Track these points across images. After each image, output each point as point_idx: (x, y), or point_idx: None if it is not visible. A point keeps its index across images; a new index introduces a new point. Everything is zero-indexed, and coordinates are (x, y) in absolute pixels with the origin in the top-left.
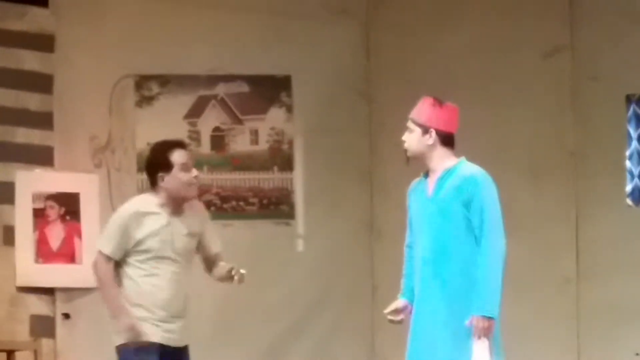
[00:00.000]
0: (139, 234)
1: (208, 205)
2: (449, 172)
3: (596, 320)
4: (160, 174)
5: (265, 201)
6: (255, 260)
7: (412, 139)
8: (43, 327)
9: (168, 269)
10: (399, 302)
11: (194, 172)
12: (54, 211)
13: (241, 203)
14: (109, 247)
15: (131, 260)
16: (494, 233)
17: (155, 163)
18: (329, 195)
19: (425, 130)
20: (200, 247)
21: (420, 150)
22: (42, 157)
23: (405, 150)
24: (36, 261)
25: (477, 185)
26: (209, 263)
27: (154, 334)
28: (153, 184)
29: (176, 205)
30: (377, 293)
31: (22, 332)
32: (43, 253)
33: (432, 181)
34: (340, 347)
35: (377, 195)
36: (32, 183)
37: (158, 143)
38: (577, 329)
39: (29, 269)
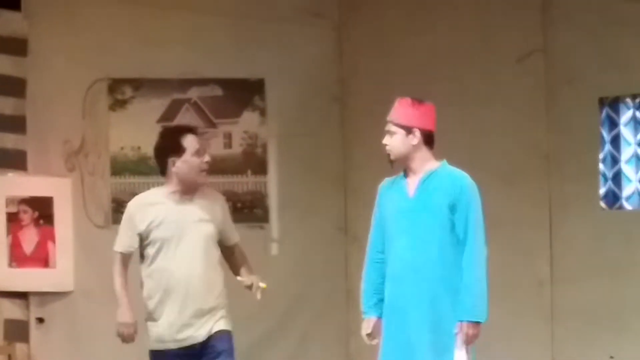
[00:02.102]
0: (142, 225)
1: None
2: (432, 174)
3: (570, 323)
4: (171, 159)
5: (239, 205)
6: None
7: (396, 141)
8: (17, 331)
9: (183, 259)
10: (371, 321)
11: (207, 157)
12: (27, 215)
13: None
14: (118, 244)
15: (145, 255)
16: (479, 237)
17: (166, 147)
18: (303, 198)
19: (409, 131)
20: (219, 241)
21: (405, 151)
22: (15, 161)
23: (388, 154)
24: (10, 265)
25: (463, 189)
26: (227, 255)
27: (167, 339)
28: (163, 171)
29: (186, 191)
30: (351, 296)
31: None
32: (16, 257)
33: (413, 182)
34: (315, 350)
35: (351, 199)
36: (5, 187)
37: (169, 128)
38: (551, 332)
39: (2, 273)
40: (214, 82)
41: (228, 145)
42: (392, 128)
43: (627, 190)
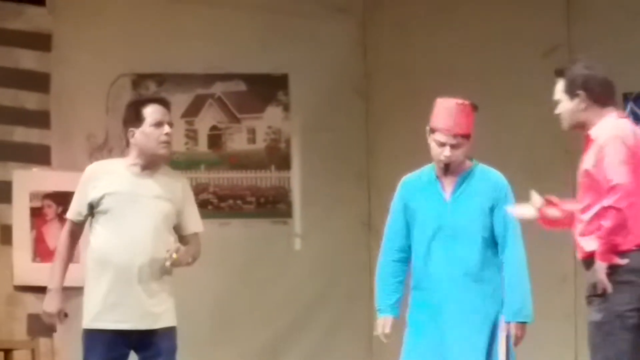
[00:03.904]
0: (95, 192)
1: (205, 204)
2: (469, 175)
3: None
4: (130, 129)
5: (262, 200)
6: (252, 260)
7: (461, 152)
8: (40, 326)
9: (131, 234)
10: (389, 320)
11: (167, 129)
12: (51, 210)
13: (238, 202)
14: (70, 210)
15: (93, 225)
16: (518, 238)
17: (127, 118)
18: (326, 193)
19: (469, 138)
20: (176, 226)
21: (464, 158)
22: (39, 156)
23: (447, 164)
24: (34, 260)
25: (502, 191)
26: (183, 244)
27: (103, 318)
28: (127, 143)
29: (147, 165)
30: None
31: (19, 331)
32: (40, 252)
33: (448, 183)
34: (339, 345)
35: (375, 194)
36: (29, 182)
37: (134, 98)
38: (574, 326)
39: (26, 268)
40: (237, 77)
41: (252, 140)
42: (460, 140)
43: None
